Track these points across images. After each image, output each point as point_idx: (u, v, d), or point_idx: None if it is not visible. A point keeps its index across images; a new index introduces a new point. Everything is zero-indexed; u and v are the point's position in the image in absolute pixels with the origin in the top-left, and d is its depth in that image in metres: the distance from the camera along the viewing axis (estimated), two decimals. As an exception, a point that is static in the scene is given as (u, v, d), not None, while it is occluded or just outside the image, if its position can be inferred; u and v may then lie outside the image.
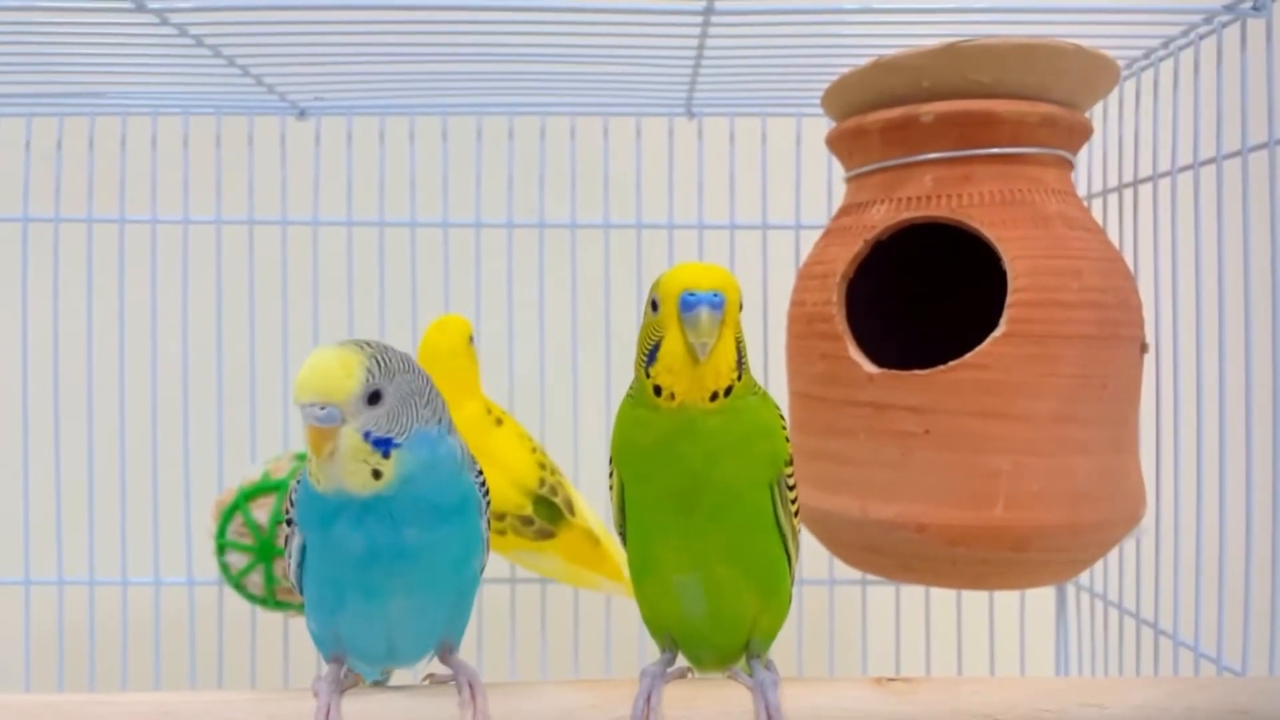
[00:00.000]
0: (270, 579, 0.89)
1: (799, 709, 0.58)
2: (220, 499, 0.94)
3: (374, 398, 0.53)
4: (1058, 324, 0.74)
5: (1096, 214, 0.97)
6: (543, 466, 0.95)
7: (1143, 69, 0.90)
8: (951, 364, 0.74)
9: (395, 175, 1.06)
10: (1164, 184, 0.86)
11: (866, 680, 0.59)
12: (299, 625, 1.00)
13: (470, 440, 0.82)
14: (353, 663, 0.61)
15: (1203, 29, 0.80)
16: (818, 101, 0.87)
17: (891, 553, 0.79)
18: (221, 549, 0.91)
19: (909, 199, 0.79)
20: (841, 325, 0.80)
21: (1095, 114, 0.96)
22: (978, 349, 0.74)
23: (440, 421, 0.56)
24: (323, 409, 0.51)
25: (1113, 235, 0.90)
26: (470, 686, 0.58)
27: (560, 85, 0.98)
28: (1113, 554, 0.94)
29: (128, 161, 1.04)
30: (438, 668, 0.62)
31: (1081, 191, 0.99)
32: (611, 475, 0.61)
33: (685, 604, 0.59)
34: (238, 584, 0.92)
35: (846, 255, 0.81)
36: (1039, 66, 0.76)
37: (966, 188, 0.77)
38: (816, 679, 0.61)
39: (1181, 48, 0.83)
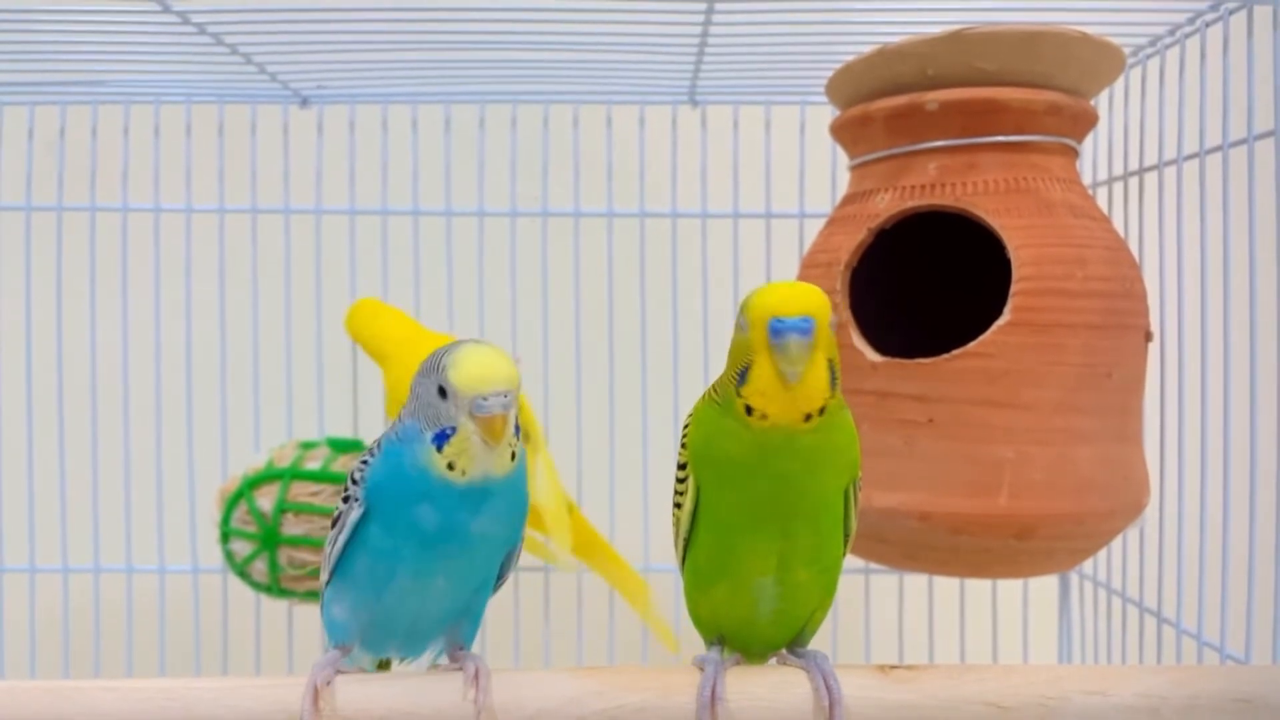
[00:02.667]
0: (274, 567, 0.89)
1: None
2: (224, 487, 0.94)
3: None
4: (1062, 313, 0.74)
5: (1102, 202, 0.96)
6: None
7: (1149, 57, 0.90)
8: (955, 352, 0.74)
9: (398, 163, 1.05)
10: (1169, 172, 0.86)
11: (870, 668, 0.59)
12: (303, 613, 1.01)
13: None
14: (356, 657, 0.62)
15: (1209, 16, 0.79)
16: (822, 89, 0.86)
17: (895, 541, 0.79)
18: (226, 537, 0.92)
19: (913, 187, 0.78)
20: (845, 314, 0.80)
21: (1101, 102, 0.95)
22: (982, 338, 0.74)
23: None
24: (506, 396, 0.54)
25: (1118, 224, 0.89)
26: (475, 671, 0.58)
27: (563, 73, 0.98)
28: (1116, 543, 0.94)
29: (130, 150, 1.04)
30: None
31: (1087, 180, 0.99)
32: (684, 480, 0.60)
33: (759, 605, 0.59)
34: (242, 571, 0.92)
35: (850, 244, 0.81)
36: (1044, 54, 0.75)
37: (971, 176, 0.77)
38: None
39: (1188, 35, 0.83)
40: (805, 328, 0.53)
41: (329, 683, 0.58)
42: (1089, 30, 0.75)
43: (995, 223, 0.75)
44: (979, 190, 0.77)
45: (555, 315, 1.05)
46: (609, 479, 1.03)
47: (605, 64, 0.94)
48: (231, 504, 0.91)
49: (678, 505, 0.61)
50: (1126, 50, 0.85)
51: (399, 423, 0.59)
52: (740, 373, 0.55)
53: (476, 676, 0.58)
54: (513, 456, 0.56)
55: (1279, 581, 0.72)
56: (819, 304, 0.54)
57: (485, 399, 0.54)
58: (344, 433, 1.00)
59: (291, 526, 0.89)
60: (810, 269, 0.84)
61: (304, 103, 1.06)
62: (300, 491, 0.90)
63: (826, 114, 0.90)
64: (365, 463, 0.59)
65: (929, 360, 0.75)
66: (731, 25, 0.85)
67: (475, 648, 0.63)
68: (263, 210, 1.06)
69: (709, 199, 1.05)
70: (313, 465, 0.92)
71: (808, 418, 0.55)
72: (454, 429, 0.55)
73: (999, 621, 1.05)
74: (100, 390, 1.05)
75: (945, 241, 0.84)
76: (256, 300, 1.05)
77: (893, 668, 0.59)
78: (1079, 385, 0.74)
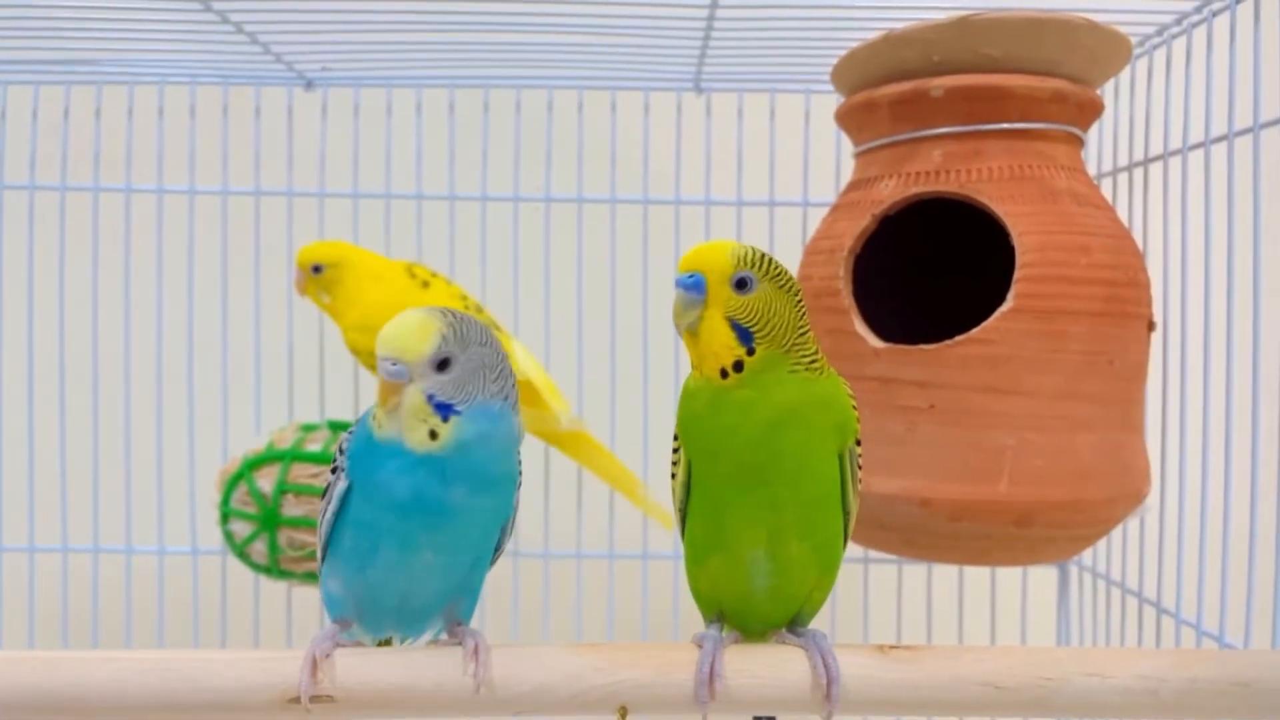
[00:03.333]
0: (274, 548, 0.90)
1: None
2: (225, 468, 0.94)
3: (443, 364, 0.55)
4: (1065, 300, 0.74)
5: (1107, 192, 0.96)
6: (479, 313, 0.96)
7: (1155, 46, 0.89)
8: (958, 339, 0.74)
9: (402, 147, 1.06)
10: (1174, 162, 0.86)
11: (869, 648, 0.59)
12: (302, 594, 1.01)
13: (397, 300, 0.86)
14: (356, 631, 0.62)
15: (1216, 5, 0.79)
16: (827, 77, 0.86)
17: (895, 527, 0.79)
18: (226, 518, 0.92)
19: (918, 174, 0.78)
20: (848, 300, 0.80)
21: (1107, 92, 0.95)
22: (984, 324, 0.74)
23: (506, 398, 0.58)
24: (394, 365, 0.55)
25: (1123, 213, 0.89)
26: (475, 646, 0.58)
27: (568, 58, 0.97)
28: (1115, 533, 0.94)
29: (134, 131, 1.04)
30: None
31: (1093, 170, 0.99)
32: (676, 453, 0.61)
33: (753, 579, 0.59)
34: (241, 553, 0.92)
35: (854, 230, 0.80)
36: (1050, 41, 0.75)
37: (976, 163, 0.77)
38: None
39: (1194, 24, 0.83)
40: (689, 282, 0.56)
41: (328, 655, 0.58)
42: (1096, 18, 0.75)
43: (999, 209, 0.75)
44: (983, 177, 0.77)
45: (558, 300, 1.05)
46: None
47: (610, 50, 0.94)
48: (232, 485, 0.91)
49: (673, 476, 0.62)
50: (1133, 39, 0.85)
51: None
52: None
53: (476, 651, 0.58)
54: (433, 435, 0.55)
55: (1278, 572, 0.72)
56: (714, 260, 0.56)
57: (379, 361, 0.55)
58: (345, 415, 1.00)
59: (291, 508, 0.89)
60: (814, 255, 0.84)
61: (309, 85, 1.06)
62: (301, 473, 0.90)
63: (831, 102, 0.90)
64: (351, 433, 0.60)
65: (931, 346, 0.75)
66: (737, 12, 0.85)
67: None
68: (266, 192, 1.06)
69: (713, 186, 1.05)
70: (313, 447, 0.92)
71: (724, 374, 0.56)
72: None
73: (997, 612, 1.05)
74: (101, 371, 1.05)
75: (949, 228, 0.84)
76: (259, 282, 1.05)
77: (892, 647, 0.59)
78: (1081, 373, 0.74)
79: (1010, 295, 0.74)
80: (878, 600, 1.07)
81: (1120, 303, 0.76)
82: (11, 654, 0.57)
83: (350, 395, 1.04)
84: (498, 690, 0.57)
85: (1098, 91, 0.82)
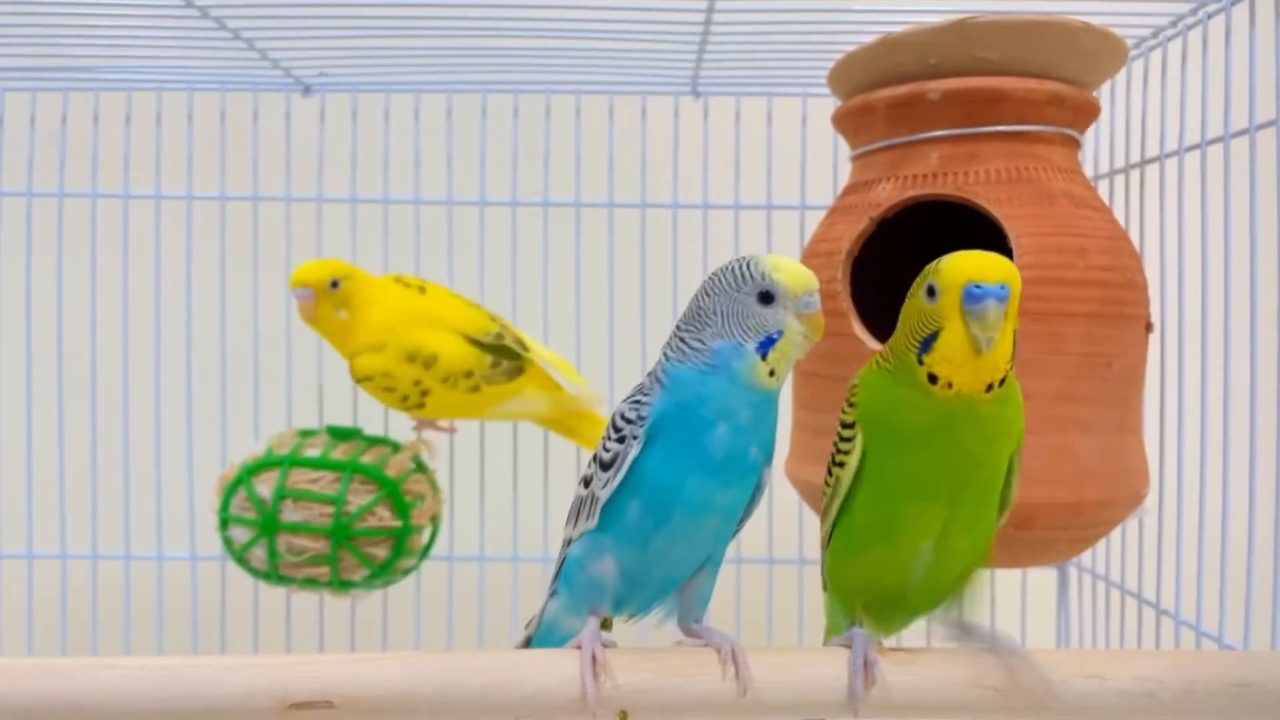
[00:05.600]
0: (273, 553, 0.89)
1: (807, 675, 0.58)
2: (224, 474, 0.94)
3: None
4: (1063, 302, 0.74)
5: (1104, 194, 0.96)
6: (485, 315, 0.96)
7: (1151, 49, 0.90)
8: (956, 341, 0.74)
9: (400, 152, 1.06)
10: (1170, 164, 0.86)
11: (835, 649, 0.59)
12: (301, 600, 1.01)
13: (405, 312, 0.87)
14: (565, 619, 0.62)
15: (1211, 7, 0.80)
16: (824, 81, 0.86)
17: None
18: (225, 523, 0.92)
19: (915, 177, 0.79)
20: (846, 303, 0.80)
21: (1104, 94, 0.95)
22: (983, 326, 0.74)
23: None
24: (1003, 289, 0.54)
25: (1120, 215, 0.90)
26: (732, 652, 0.58)
27: (565, 63, 0.98)
28: (1114, 535, 0.94)
29: (132, 137, 1.04)
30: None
31: (1089, 172, 0.99)
32: (850, 440, 0.59)
33: (914, 570, 0.59)
34: (240, 558, 0.92)
35: (852, 233, 0.81)
36: (1047, 44, 0.75)
37: (973, 165, 0.77)
38: (816, 647, 0.61)
39: (1190, 27, 0.83)
40: (1003, 294, 0.53)
41: (604, 657, 0.57)
42: (1091, 21, 0.75)
43: (997, 212, 0.76)
44: (980, 180, 0.77)
45: (556, 305, 1.05)
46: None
47: (608, 54, 0.94)
48: (230, 490, 0.91)
49: (840, 465, 0.60)
50: (1129, 41, 0.85)
51: (685, 352, 0.58)
52: (924, 340, 0.55)
53: (733, 655, 0.58)
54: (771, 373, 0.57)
55: (1277, 573, 0.72)
56: (1014, 274, 0.54)
57: (811, 295, 0.57)
58: (343, 421, 1.00)
59: (290, 513, 0.89)
60: (812, 258, 0.84)
61: (306, 91, 1.06)
62: (299, 478, 0.90)
63: (828, 106, 0.90)
64: (640, 401, 0.59)
65: (929, 349, 0.75)
66: (734, 16, 0.85)
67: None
68: (264, 198, 1.06)
69: (710, 190, 1.05)
70: (312, 453, 0.92)
71: (989, 387, 0.55)
72: (780, 333, 0.56)
73: (997, 614, 1.05)
74: (100, 377, 1.05)
75: (946, 231, 0.84)
76: (257, 288, 1.05)
77: (891, 650, 0.59)
78: (1079, 375, 0.74)
79: (1008, 297, 0.74)
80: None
81: (1118, 304, 0.76)
82: (11, 661, 0.57)
83: (349, 401, 1.04)
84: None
85: (1094, 94, 0.82)
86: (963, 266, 0.54)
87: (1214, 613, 0.78)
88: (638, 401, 0.59)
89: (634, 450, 0.58)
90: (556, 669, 0.58)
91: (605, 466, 0.59)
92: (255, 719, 0.56)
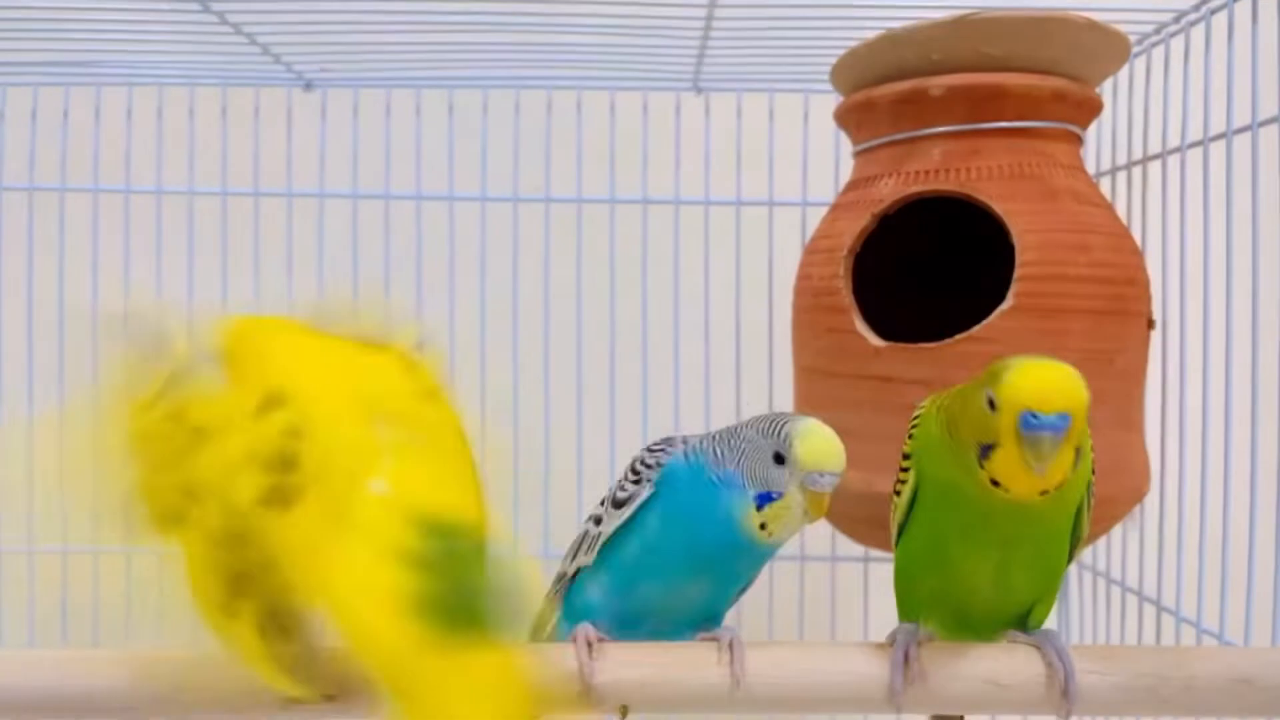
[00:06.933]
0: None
1: (801, 675, 0.58)
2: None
3: None
4: (1065, 298, 0.74)
5: (1106, 191, 0.96)
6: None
7: (1154, 45, 0.90)
8: (958, 337, 0.74)
9: (401, 148, 1.05)
10: (1173, 160, 0.86)
11: (870, 645, 0.59)
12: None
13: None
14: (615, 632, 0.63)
15: (1214, 3, 0.80)
16: (826, 78, 0.86)
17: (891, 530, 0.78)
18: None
19: (917, 172, 0.78)
20: (848, 299, 0.80)
21: (1106, 90, 0.95)
22: (984, 322, 0.74)
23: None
24: (839, 477, 0.58)
25: (1122, 211, 0.90)
26: (729, 644, 0.59)
27: (567, 59, 0.98)
28: (1115, 532, 0.94)
29: (134, 132, 1.04)
30: None
31: (1092, 168, 0.99)
32: (906, 470, 0.60)
33: (974, 594, 0.59)
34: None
35: (854, 229, 0.81)
36: (1050, 40, 0.75)
37: (975, 161, 0.77)
38: (819, 644, 0.61)
39: (1193, 23, 0.83)
40: (1060, 427, 0.51)
41: (598, 638, 0.58)
42: (1094, 17, 0.75)
43: (999, 208, 0.75)
44: (983, 175, 0.77)
45: (557, 301, 1.05)
46: (609, 466, 1.02)
47: (609, 50, 0.94)
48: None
49: (896, 493, 0.62)
50: (1132, 38, 0.85)
51: (714, 452, 0.60)
52: (984, 448, 0.54)
53: (731, 646, 0.58)
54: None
55: (1278, 569, 0.72)
56: (1079, 401, 0.52)
57: (823, 475, 0.57)
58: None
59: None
60: (814, 254, 0.84)
61: (308, 86, 1.06)
62: (301, 473, 0.90)
63: (830, 102, 0.90)
64: (664, 452, 0.61)
65: (932, 345, 0.75)
66: (735, 12, 0.85)
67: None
68: (265, 193, 1.06)
69: (712, 186, 1.05)
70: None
71: (1044, 493, 0.54)
72: (780, 494, 0.57)
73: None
74: (102, 372, 1.05)
75: (949, 227, 0.84)
76: (258, 282, 1.05)
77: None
78: (1081, 371, 0.73)
79: (1010, 294, 0.74)
80: (877, 599, 1.07)
81: (1120, 301, 0.76)
82: (16, 653, 0.57)
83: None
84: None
85: (1097, 90, 0.82)
86: (1023, 389, 0.52)
87: (1215, 609, 0.78)
88: (662, 451, 0.61)
89: (645, 493, 0.60)
90: (551, 662, 0.58)
91: (617, 505, 0.62)
92: (256, 713, 0.56)
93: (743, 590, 0.65)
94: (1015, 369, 0.53)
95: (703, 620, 0.62)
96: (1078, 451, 0.54)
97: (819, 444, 0.57)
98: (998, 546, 0.57)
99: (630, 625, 0.62)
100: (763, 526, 0.58)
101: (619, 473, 1.02)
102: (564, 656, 0.57)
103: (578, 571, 0.64)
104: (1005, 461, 0.53)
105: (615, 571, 0.61)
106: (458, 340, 1.05)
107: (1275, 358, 0.75)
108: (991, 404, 0.53)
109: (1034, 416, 0.51)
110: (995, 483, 0.54)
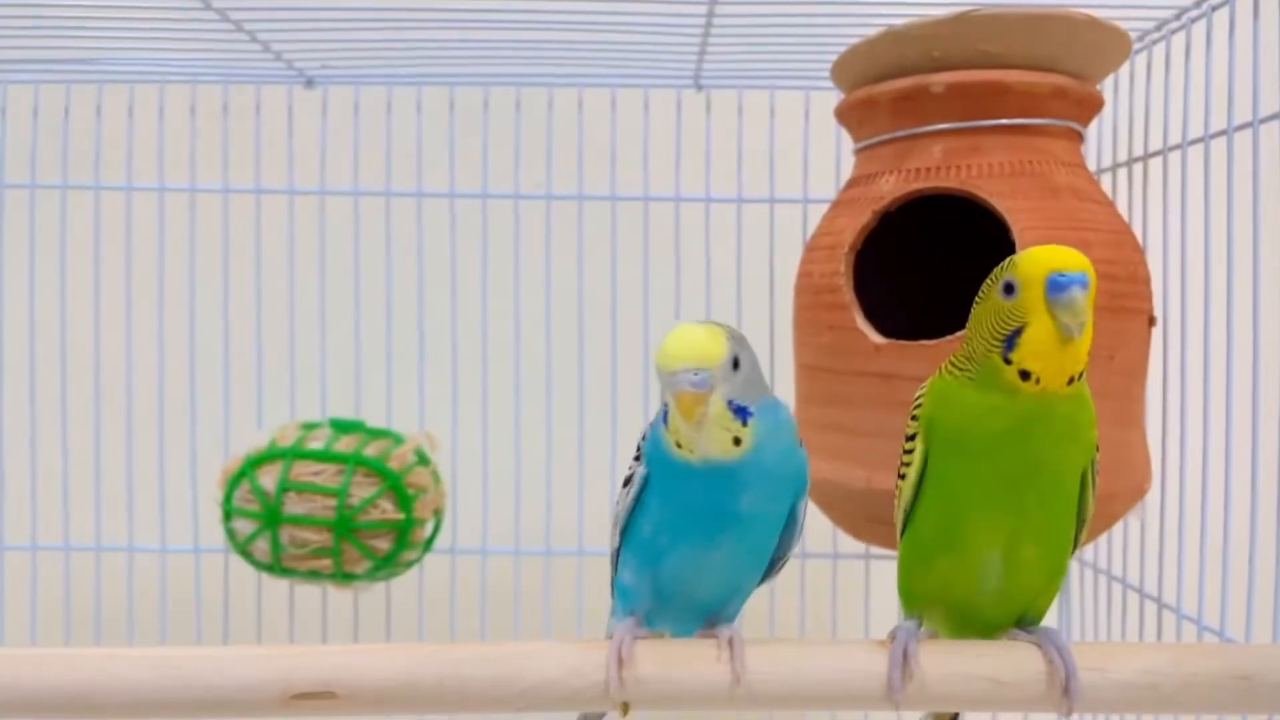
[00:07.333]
0: (276, 546, 0.90)
1: (801, 671, 0.58)
2: (227, 466, 0.94)
3: (735, 365, 0.55)
4: (1066, 295, 0.74)
5: (1107, 187, 0.96)
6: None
7: (1154, 42, 0.90)
8: (959, 334, 0.74)
9: (402, 145, 1.06)
10: (1174, 157, 0.86)
11: (870, 642, 0.60)
12: (304, 593, 1.01)
13: None
14: (651, 618, 0.62)
15: (1215, 0, 0.79)
16: (827, 75, 0.86)
17: (896, 523, 0.79)
18: (228, 515, 0.92)
19: (918, 170, 0.79)
20: (849, 296, 0.80)
21: (1107, 87, 0.95)
22: (985, 319, 0.74)
23: (771, 392, 0.59)
24: (696, 374, 0.54)
25: (1123, 208, 0.90)
26: (729, 641, 0.58)
27: (568, 56, 0.97)
28: (1116, 529, 0.94)
29: (135, 129, 1.04)
30: None
31: (1092, 165, 0.99)
32: (911, 451, 0.60)
33: (983, 581, 0.59)
34: (244, 550, 0.92)
35: (854, 226, 0.81)
36: (1050, 37, 0.75)
37: (976, 158, 0.77)
38: (820, 641, 0.61)
39: (1193, 20, 0.83)
40: (1085, 280, 0.53)
41: (631, 650, 0.58)
42: (1095, 14, 0.75)
43: (1000, 205, 0.75)
44: (983, 173, 0.77)
45: (558, 298, 1.05)
46: (611, 464, 1.03)
47: (610, 47, 0.94)
48: (234, 483, 0.92)
49: (902, 476, 0.61)
50: (1133, 35, 0.85)
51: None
52: (1008, 338, 0.55)
53: (731, 644, 0.58)
54: (736, 442, 0.55)
55: (1279, 566, 0.72)
56: (1088, 262, 0.55)
57: (674, 375, 0.54)
58: (346, 413, 1.00)
59: (294, 505, 0.89)
60: (814, 252, 0.84)
61: (309, 84, 1.06)
62: (302, 471, 0.91)
63: (831, 100, 0.90)
64: (644, 434, 0.60)
65: (932, 342, 0.75)
66: (736, 9, 0.85)
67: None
68: (266, 191, 1.06)
69: (713, 183, 1.05)
70: (315, 445, 0.92)
71: (1070, 381, 0.55)
72: (667, 406, 0.56)
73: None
74: (103, 369, 1.05)
75: (950, 224, 0.84)
76: (260, 280, 1.05)
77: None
78: (1081, 368, 0.74)
79: (1011, 291, 0.74)
80: (878, 597, 1.07)
81: (1120, 298, 0.76)
82: (17, 651, 0.57)
83: (351, 393, 1.04)
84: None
85: (1097, 87, 0.82)
86: (1042, 259, 0.54)
87: (1216, 606, 0.78)
88: (652, 424, 0.60)
89: (641, 471, 0.60)
90: (558, 660, 0.58)
91: (625, 484, 0.61)
92: (259, 709, 0.56)
93: (774, 565, 0.64)
94: (1025, 253, 0.55)
95: (732, 596, 0.62)
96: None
97: (665, 345, 0.55)
98: (1013, 504, 0.57)
99: (664, 602, 0.61)
100: (678, 445, 0.56)
101: (621, 470, 1.03)
102: (568, 654, 0.58)
103: (615, 555, 0.64)
104: (1036, 338, 0.54)
105: (636, 550, 0.61)
106: (459, 337, 1.05)
107: (1276, 354, 0.75)
108: (1010, 289, 0.55)
109: (1061, 275, 0.53)
110: (1025, 375, 0.55)
